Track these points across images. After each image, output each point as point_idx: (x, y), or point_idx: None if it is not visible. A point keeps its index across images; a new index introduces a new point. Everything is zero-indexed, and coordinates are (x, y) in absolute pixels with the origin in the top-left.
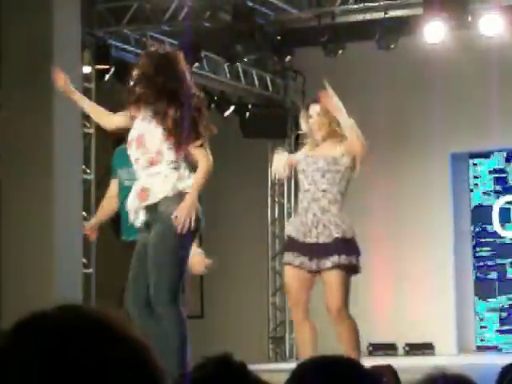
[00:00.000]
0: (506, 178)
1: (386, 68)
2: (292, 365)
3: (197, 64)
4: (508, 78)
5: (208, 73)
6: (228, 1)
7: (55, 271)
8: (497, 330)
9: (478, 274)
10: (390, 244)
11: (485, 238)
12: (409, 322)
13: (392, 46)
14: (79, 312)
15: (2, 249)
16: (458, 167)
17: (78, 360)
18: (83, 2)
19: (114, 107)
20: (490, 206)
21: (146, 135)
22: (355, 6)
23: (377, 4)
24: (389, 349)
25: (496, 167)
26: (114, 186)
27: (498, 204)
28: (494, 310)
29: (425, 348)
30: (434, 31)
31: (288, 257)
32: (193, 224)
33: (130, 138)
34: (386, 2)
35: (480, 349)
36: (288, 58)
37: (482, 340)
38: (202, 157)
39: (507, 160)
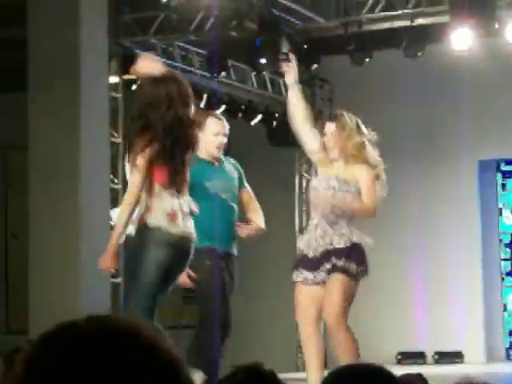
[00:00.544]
0: None
1: (413, 76)
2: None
3: (224, 73)
4: None
5: (235, 82)
6: (254, 10)
7: (82, 281)
8: None
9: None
10: (419, 253)
11: None
12: (438, 330)
13: (419, 54)
14: (108, 322)
15: (29, 258)
16: (486, 174)
17: (106, 371)
18: (110, 12)
19: None
20: None
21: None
22: (382, 14)
23: (403, 12)
24: (418, 357)
25: None
26: None
27: None
28: None
29: (454, 356)
30: (461, 38)
31: (295, 274)
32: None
33: None
34: (413, 9)
35: (509, 357)
36: (315, 66)
37: (511, 349)
38: (130, 193)
39: None
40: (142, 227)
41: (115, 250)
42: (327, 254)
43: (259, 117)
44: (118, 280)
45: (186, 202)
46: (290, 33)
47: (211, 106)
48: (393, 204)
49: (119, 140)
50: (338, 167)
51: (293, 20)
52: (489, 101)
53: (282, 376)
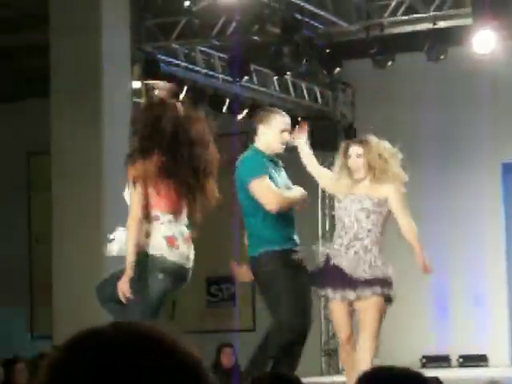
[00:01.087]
0: None
1: (436, 79)
2: (344, 378)
3: (246, 77)
4: None
5: (257, 86)
6: (276, 14)
7: None
8: None
9: None
10: (443, 256)
11: None
12: (462, 333)
13: (441, 57)
14: (132, 329)
15: (53, 263)
16: (510, 177)
17: (130, 378)
18: (132, 17)
19: None
20: None
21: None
22: (404, 17)
23: (425, 15)
24: (442, 361)
25: None
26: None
27: None
28: None
29: (478, 360)
30: (484, 40)
31: (331, 293)
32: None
33: None
34: (435, 12)
35: None
36: (337, 70)
37: None
38: (132, 220)
39: None
40: (142, 255)
41: (130, 277)
42: (367, 281)
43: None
44: None
45: (184, 228)
46: (312, 37)
47: (233, 111)
48: (416, 206)
49: None
50: (363, 187)
51: (315, 24)
52: None
53: (306, 380)
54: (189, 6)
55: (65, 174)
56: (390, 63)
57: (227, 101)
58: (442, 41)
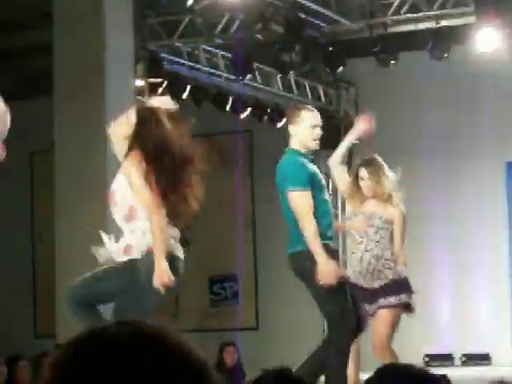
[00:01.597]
0: None
1: (439, 77)
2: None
3: (249, 76)
4: None
5: (261, 85)
6: (279, 12)
7: None
8: None
9: None
10: (446, 255)
11: None
12: (465, 332)
13: (445, 56)
14: (136, 328)
15: (56, 261)
16: None
17: (133, 377)
18: (135, 16)
19: None
20: None
21: (117, 193)
22: (407, 16)
23: (428, 13)
24: (445, 359)
25: None
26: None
27: None
28: None
29: (481, 359)
30: (487, 39)
31: None
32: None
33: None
34: (438, 11)
35: None
36: (340, 68)
37: None
38: (151, 217)
39: None
40: (152, 255)
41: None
42: (381, 290)
43: (285, 119)
44: None
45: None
46: (316, 35)
47: (237, 109)
48: (417, 206)
49: None
50: (371, 205)
51: (318, 23)
52: None
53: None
54: (192, 5)
55: (68, 173)
56: (393, 62)
57: (230, 99)
58: (445, 39)
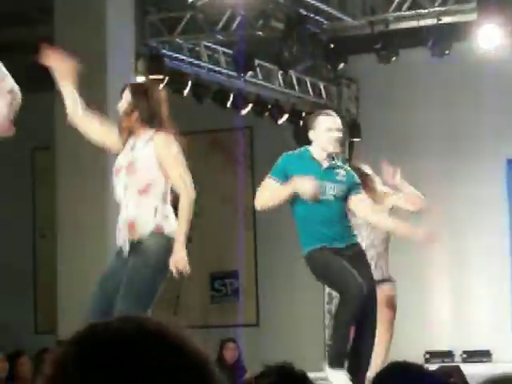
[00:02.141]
0: None
1: (440, 74)
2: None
3: (250, 72)
4: None
5: (261, 81)
6: (280, 9)
7: None
8: None
9: None
10: (447, 253)
11: None
12: (466, 329)
13: (446, 53)
14: (138, 324)
15: (58, 257)
16: None
17: (135, 372)
18: (136, 12)
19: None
20: None
21: (139, 163)
22: (408, 13)
23: (430, 10)
24: (446, 356)
25: None
26: (273, 188)
27: None
28: None
29: (482, 356)
30: (488, 36)
31: None
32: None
33: (117, 166)
34: (439, 8)
35: None
36: (341, 65)
37: None
38: (184, 191)
39: None
40: (160, 237)
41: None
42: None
43: (286, 116)
44: None
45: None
46: (317, 32)
47: (238, 105)
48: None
49: None
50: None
51: (319, 19)
52: None
53: (311, 375)
54: (193, 1)
55: (69, 169)
56: (394, 58)
57: (231, 96)
58: (447, 36)
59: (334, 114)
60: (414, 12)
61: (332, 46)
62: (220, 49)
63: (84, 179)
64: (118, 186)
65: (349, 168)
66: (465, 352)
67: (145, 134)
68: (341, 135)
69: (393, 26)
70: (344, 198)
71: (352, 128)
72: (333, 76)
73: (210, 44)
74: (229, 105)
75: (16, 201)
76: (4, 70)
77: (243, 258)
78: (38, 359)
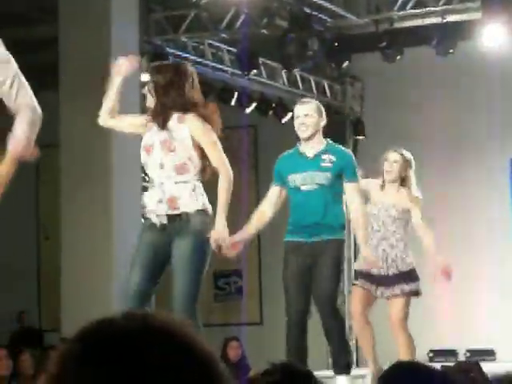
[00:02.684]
0: None
1: (444, 73)
2: (352, 371)
3: (254, 71)
4: None
5: (265, 79)
6: (285, 8)
7: (114, 279)
8: None
9: None
10: (451, 251)
11: None
12: (470, 328)
13: (450, 51)
14: (145, 320)
15: (62, 257)
16: None
17: (141, 370)
18: (141, 10)
19: None
20: None
21: (176, 141)
22: (413, 11)
23: (434, 9)
24: (449, 355)
25: None
26: (274, 193)
27: None
28: None
29: (486, 354)
30: (493, 35)
31: (358, 281)
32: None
33: (148, 144)
34: (444, 6)
35: None
36: (346, 63)
37: None
38: (224, 170)
39: None
40: (205, 215)
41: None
42: (395, 277)
43: (290, 114)
44: None
45: None
46: (321, 30)
47: (242, 104)
48: (423, 204)
49: None
50: (391, 196)
51: (324, 17)
52: None
53: (315, 373)
54: (197, 0)
55: (74, 168)
56: (398, 57)
57: (236, 94)
58: (451, 35)
59: (306, 100)
60: (418, 11)
61: (336, 44)
62: (224, 47)
63: (89, 178)
64: (150, 164)
65: (342, 149)
66: (468, 351)
67: (177, 113)
68: (305, 120)
69: (397, 25)
70: (334, 183)
71: (356, 126)
72: (337, 74)
73: (214, 42)
74: (233, 103)
75: (20, 201)
76: (25, 82)
77: (247, 257)
78: (41, 357)
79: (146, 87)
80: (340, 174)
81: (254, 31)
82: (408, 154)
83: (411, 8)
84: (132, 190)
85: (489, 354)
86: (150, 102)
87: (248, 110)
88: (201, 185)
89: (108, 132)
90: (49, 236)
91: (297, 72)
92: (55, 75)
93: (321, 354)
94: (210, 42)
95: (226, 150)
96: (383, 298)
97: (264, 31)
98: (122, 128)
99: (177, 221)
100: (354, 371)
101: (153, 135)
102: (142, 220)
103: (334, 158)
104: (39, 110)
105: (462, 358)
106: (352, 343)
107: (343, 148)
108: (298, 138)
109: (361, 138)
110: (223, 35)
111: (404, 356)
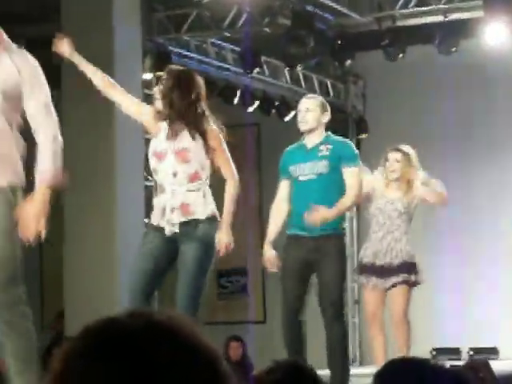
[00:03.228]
0: None
1: (447, 71)
2: (355, 370)
3: (257, 69)
4: None
5: (268, 78)
6: (287, 6)
7: (118, 281)
8: None
9: None
10: (456, 246)
11: None
12: (473, 326)
13: (453, 50)
14: (149, 319)
15: (64, 259)
16: None
17: (145, 368)
18: (143, 9)
19: None
20: None
21: (191, 152)
22: (415, 10)
23: (437, 7)
24: (453, 353)
25: None
26: (284, 187)
27: None
28: None
29: (489, 352)
30: (495, 33)
31: (362, 280)
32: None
33: (158, 150)
34: (446, 5)
35: None
36: (348, 62)
37: None
38: (232, 177)
39: None
40: (215, 222)
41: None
42: (397, 268)
43: (292, 112)
44: None
45: None
46: (324, 29)
47: (245, 102)
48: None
49: None
50: (395, 190)
51: (326, 16)
52: None
53: (318, 372)
54: None
55: (76, 171)
56: (401, 55)
57: (238, 92)
58: (454, 33)
59: (311, 96)
60: (420, 9)
61: (339, 42)
62: (227, 46)
63: (91, 182)
64: (162, 171)
65: (341, 139)
66: (472, 349)
67: (186, 122)
68: (306, 114)
69: (400, 23)
70: (332, 172)
71: (359, 125)
72: (340, 73)
73: (216, 41)
74: (236, 101)
75: None
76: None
77: (250, 255)
78: (43, 355)
79: (156, 88)
80: (339, 163)
81: (257, 30)
82: (407, 149)
83: (413, 6)
84: (135, 192)
85: (492, 352)
86: (159, 104)
87: (251, 109)
88: (209, 190)
89: (111, 133)
90: (50, 240)
91: (299, 70)
92: (57, 75)
93: (323, 353)
94: (213, 40)
95: (229, 148)
96: (389, 288)
97: (266, 30)
98: (123, 102)
99: (186, 227)
100: (358, 370)
101: (162, 142)
102: (146, 220)
103: (330, 147)
104: (60, 138)
105: (465, 356)
106: (356, 340)
107: (343, 139)
108: (300, 135)
109: (364, 136)
110: (226, 34)
111: (403, 348)
